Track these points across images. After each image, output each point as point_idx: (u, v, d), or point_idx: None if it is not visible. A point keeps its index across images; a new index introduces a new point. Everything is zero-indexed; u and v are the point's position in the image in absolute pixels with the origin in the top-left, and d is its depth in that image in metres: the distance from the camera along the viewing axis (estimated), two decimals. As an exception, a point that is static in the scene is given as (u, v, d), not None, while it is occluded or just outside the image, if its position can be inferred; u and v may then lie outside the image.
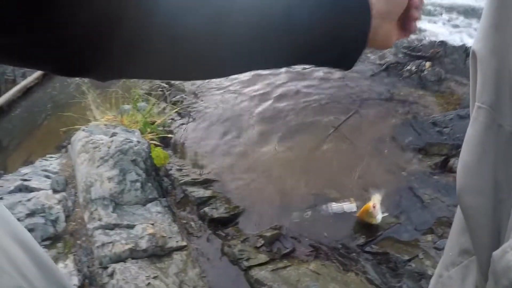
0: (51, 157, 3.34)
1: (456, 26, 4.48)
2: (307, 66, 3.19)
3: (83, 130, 2.74)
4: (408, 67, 3.12)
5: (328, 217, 1.96)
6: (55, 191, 2.64)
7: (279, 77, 3.27)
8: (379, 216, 1.84)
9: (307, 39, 0.43)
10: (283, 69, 3.31)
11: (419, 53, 3.27)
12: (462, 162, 0.61)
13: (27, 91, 7.24)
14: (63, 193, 2.58)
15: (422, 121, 2.59)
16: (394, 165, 2.24)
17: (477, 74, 0.58)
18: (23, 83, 7.25)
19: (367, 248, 1.82)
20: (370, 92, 2.93)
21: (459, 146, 2.34)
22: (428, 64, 3.08)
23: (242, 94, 3.20)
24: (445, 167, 2.27)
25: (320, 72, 3.13)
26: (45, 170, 3.06)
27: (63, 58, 0.35)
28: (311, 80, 3.13)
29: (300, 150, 2.44)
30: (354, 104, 2.76)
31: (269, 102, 3.02)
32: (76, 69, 0.37)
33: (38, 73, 7.40)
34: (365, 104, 2.76)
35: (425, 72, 3.03)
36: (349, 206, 1.96)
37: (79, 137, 2.62)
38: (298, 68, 3.28)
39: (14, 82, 7.75)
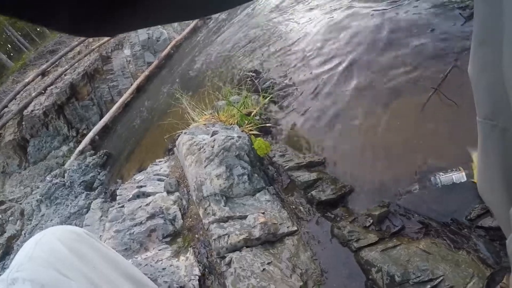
0: (160, 161, 3.67)
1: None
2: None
3: (185, 133, 2.96)
4: (506, -1, 2.75)
5: (436, 189, 1.86)
6: (169, 193, 2.91)
7: (360, 44, 3.15)
8: None
9: None
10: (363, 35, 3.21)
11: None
12: (477, 167, 0.70)
13: (125, 106, 8.01)
14: (177, 193, 2.83)
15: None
16: (505, 126, 2.05)
17: (474, 93, 0.65)
18: (121, 100, 8.03)
19: (480, 223, 1.70)
20: (465, 40, 2.55)
21: None
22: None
23: (327, 69, 3.13)
24: None
25: (409, 32, 2.87)
26: (157, 174, 3.37)
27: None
28: (398, 41, 2.92)
29: (399, 117, 2.32)
30: (450, 58, 2.45)
31: (356, 70, 2.90)
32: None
33: (132, 89, 8.12)
34: (462, 55, 2.41)
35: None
36: (458, 176, 1.84)
37: (183, 141, 2.84)
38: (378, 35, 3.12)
39: (112, 101, 8.62)
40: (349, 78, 2.88)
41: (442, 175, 1.86)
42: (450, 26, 2.74)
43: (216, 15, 8.23)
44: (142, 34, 9.47)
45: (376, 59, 2.85)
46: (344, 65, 3.06)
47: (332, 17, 3.92)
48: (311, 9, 4.59)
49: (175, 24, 9.52)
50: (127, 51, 9.45)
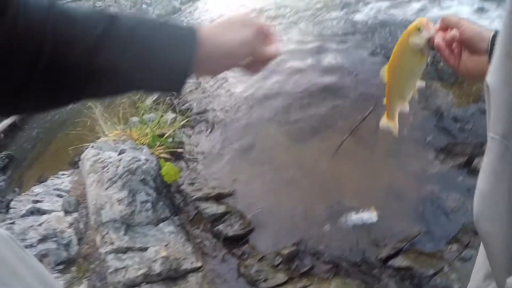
0: (63, 175, 3.33)
1: (472, 9, 4.30)
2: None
3: (92, 147, 2.70)
4: (424, 59, 2.97)
5: (347, 229, 1.86)
6: (66, 213, 2.62)
7: (283, 81, 3.17)
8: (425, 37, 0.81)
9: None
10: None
11: (434, 42, 3.12)
12: (478, 190, 0.64)
13: (39, 105, 7.31)
14: (75, 215, 2.55)
15: (442, 117, 2.46)
16: (416, 167, 2.12)
17: (491, 106, 0.60)
18: (34, 97, 7.31)
19: (390, 263, 1.70)
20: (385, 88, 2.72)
21: (482, 145, 2.22)
22: (444, 54, 2.92)
23: (251, 99, 3.09)
24: (469, 168, 2.14)
25: (333, 74, 2.98)
26: (57, 189, 3.05)
27: None
28: (321, 81, 2.99)
29: (315, 157, 2.32)
30: (369, 102, 2.57)
31: (277, 104, 2.90)
32: None
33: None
34: (380, 101, 2.55)
35: (442, 64, 2.88)
36: (369, 216, 1.86)
37: (88, 156, 2.58)
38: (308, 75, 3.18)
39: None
40: (269, 111, 2.87)
41: (353, 214, 1.86)
42: (373, 73, 2.88)
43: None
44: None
45: (299, 96, 2.89)
46: (266, 96, 3.05)
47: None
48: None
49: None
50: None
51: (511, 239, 0.58)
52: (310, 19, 4.28)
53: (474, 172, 2.08)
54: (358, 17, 4.29)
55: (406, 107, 0.86)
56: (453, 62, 0.79)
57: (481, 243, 0.75)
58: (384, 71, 0.84)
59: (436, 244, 1.77)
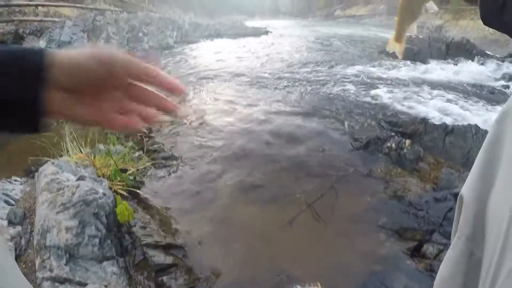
0: (16, 181, 3.21)
1: (438, 102, 4.63)
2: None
3: (53, 163, 2.63)
4: (388, 144, 3.15)
5: (291, 301, 1.86)
6: (10, 223, 2.51)
7: (253, 141, 3.26)
8: None
9: None
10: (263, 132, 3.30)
11: (400, 129, 3.32)
12: (440, 273, 0.77)
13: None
14: (19, 228, 2.45)
15: (398, 201, 2.57)
16: (366, 247, 2.19)
17: (461, 213, 0.73)
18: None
19: None
20: (348, 167, 2.93)
21: (433, 232, 2.33)
22: (408, 142, 3.12)
23: (219, 156, 3.16)
24: (417, 253, 2.22)
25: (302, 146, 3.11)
26: (6, 195, 2.92)
27: None
28: (289, 151, 3.10)
29: (270, 223, 2.36)
30: (331, 179, 2.72)
31: (243, 165, 3.00)
32: None
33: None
34: (342, 180, 2.73)
35: (404, 150, 3.05)
36: None
37: (47, 172, 2.50)
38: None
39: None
40: (234, 171, 2.95)
41: (299, 287, 1.87)
42: (339, 152, 3.06)
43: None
44: (66, 34, 8.66)
45: (263, 161, 3.03)
46: (234, 155, 3.17)
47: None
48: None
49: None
50: (42, 43, 8.53)
51: None
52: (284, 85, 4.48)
53: (424, 257, 2.17)
54: (337, 92, 4.53)
55: (413, 29, 0.89)
56: None
57: None
58: None
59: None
